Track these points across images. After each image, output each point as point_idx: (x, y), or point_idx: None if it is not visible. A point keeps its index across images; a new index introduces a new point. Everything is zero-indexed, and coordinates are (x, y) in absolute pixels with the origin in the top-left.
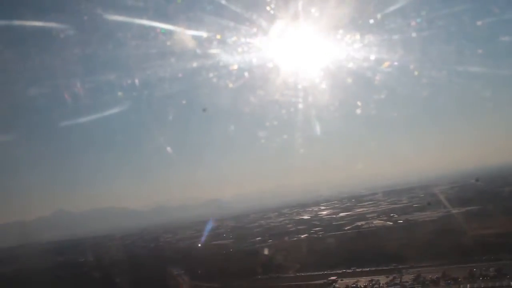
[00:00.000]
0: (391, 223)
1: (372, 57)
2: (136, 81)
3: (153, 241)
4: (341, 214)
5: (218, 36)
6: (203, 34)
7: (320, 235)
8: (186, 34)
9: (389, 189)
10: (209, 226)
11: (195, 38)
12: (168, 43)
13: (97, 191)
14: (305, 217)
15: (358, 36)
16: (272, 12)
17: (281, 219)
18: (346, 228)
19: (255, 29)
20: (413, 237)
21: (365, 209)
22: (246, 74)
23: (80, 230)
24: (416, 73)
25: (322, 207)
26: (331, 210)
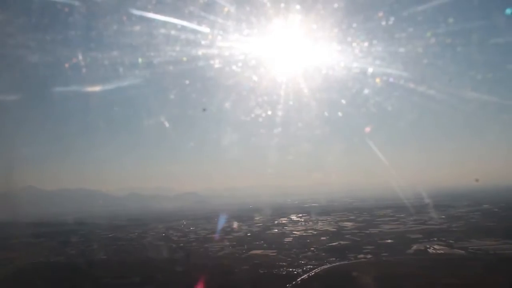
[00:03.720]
0: (462, 251)
1: (367, 66)
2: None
3: (164, 239)
4: (372, 231)
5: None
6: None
7: (391, 259)
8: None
9: (384, 202)
10: (220, 225)
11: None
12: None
13: (70, 170)
14: (331, 229)
15: (350, 44)
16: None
17: (301, 227)
18: (409, 252)
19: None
20: None
21: (392, 226)
22: (234, 72)
23: (50, 209)
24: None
25: (337, 218)
26: (354, 224)
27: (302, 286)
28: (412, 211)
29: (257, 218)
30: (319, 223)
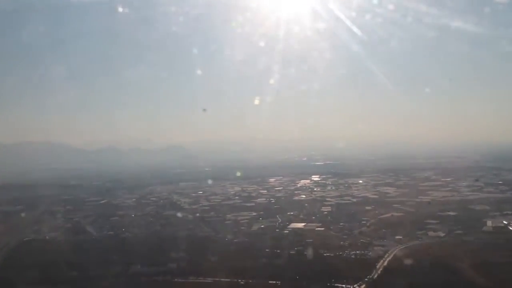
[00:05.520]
0: None
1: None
2: None
3: (173, 207)
4: (423, 199)
5: None
6: None
7: (471, 239)
8: None
9: (416, 161)
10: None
11: None
12: None
13: (33, 121)
14: (372, 196)
15: None
16: None
17: (333, 193)
18: (486, 230)
19: None
20: None
21: (444, 194)
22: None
23: (12, 166)
24: None
25: (371, 180)
26: (396, 189)
27: (390, 277)
28: (458, 174)
29: (272, 180)
30: (353, 188)
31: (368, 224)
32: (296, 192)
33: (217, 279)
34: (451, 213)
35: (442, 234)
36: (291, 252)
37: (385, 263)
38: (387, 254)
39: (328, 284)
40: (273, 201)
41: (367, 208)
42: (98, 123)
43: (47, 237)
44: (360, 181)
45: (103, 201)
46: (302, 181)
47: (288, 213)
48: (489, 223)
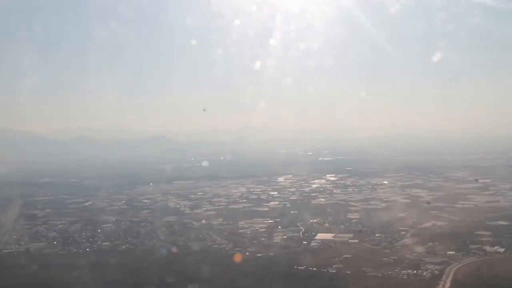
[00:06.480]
0: None
1: None
2: None
3: (171, 212)
4: (465, 205)
5: None
6: None
7: None
8: None
9: (438, 158)
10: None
11: None
12: None
13: None
14: (402, 200)
15: None
16: None
17: (357, 195)
18: None
19: None
20: None
21: (488, 198)
22: None
23: None
24: None
25: (397, 181)
26: (429, 192)
27: None
28: (498, 175)
29: (281, 179)
30: (378, 190)
31: (408, 235)
32: (312, 194)
33: None
34: (503, 223)
35: (501, 249)
36: (330, 271)
37: (447, 286)
38: (444, 275)
39: None
40: (288, 205)
41: (401, 215)
42: (68, 108)
43: (31, 249)
44: (385, 182)
45: (87, 203)
46: (316, 180)
47: (311, 220)
48: None
